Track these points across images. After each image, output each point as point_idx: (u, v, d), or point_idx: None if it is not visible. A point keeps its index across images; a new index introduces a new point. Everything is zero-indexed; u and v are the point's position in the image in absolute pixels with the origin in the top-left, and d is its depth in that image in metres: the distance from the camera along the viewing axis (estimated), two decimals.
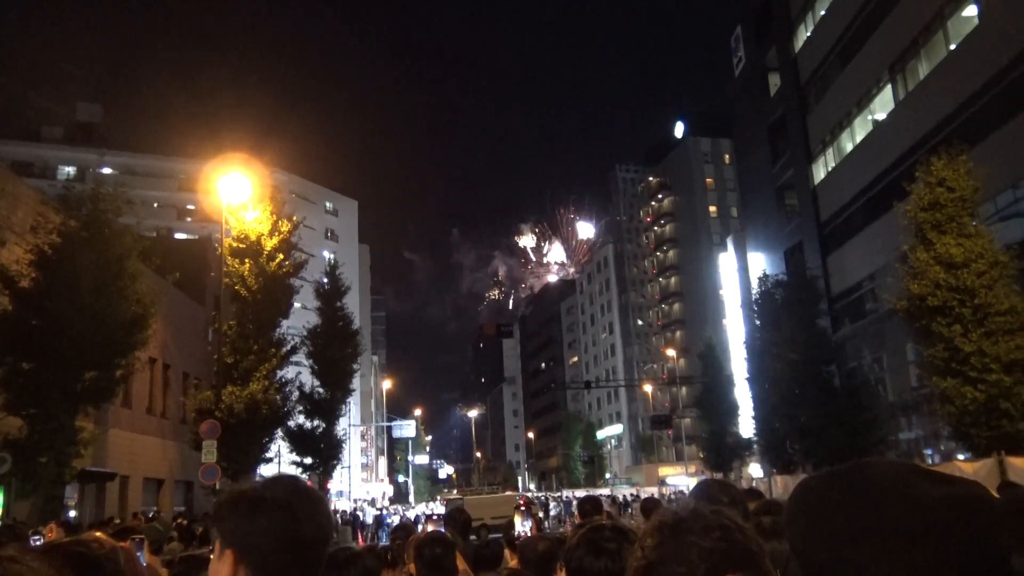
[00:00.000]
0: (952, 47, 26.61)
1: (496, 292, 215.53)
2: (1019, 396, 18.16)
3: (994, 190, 22.51)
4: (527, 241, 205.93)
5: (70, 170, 63.97)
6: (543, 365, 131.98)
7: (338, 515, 42.33)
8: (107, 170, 60.40)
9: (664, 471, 67.90)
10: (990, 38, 24.18)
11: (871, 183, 31.65)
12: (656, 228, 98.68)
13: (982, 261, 19.12)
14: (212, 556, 1.54)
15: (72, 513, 22.25)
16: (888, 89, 31.23)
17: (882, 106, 32.07)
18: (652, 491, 50.66)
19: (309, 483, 1.66)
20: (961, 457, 19.77)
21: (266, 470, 32.79)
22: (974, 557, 0.79)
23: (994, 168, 21.76)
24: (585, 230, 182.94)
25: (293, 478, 1.62)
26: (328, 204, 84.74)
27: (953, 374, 18.92)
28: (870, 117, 33.09)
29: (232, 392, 24.62)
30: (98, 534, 2.21)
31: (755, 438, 38.01)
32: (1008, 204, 23.54)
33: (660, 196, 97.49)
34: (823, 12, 36.82)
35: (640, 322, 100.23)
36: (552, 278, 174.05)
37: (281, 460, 33.04)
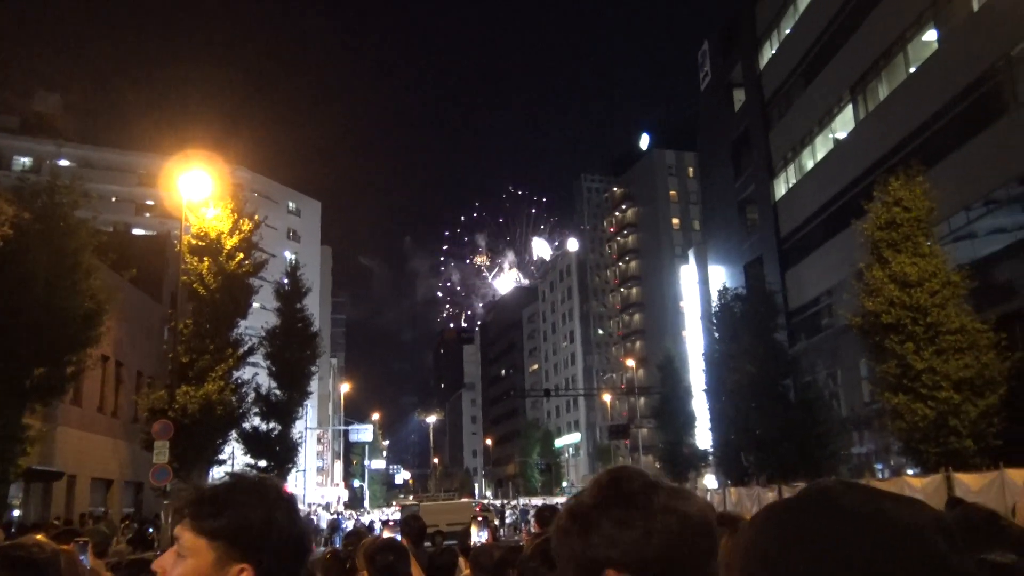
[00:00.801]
0: (912, 70, 27.21)
1: (451, 299, 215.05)
2: (967, 414, 18.55)
3: (948, 211, 23.03)
4: (487, 248, 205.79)
5: (26, 161, 62.57)
6: (503, 372, 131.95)
7: None
8: (64, 162, 59.17)
9: None
10: (948, 63, 24.77)
11: (830, 201, 32.17)
12: (619, 238, 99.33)
13: (935, 280, 19.53)
14: (173, 554, 1.42)
15: (16, 513, 21.67)
16: (849, 109, 31.81)
17: (843, 125, 32.65)
18: None
19: None
20: (910, 472, 20.14)
21: (219, 472, 32.33)
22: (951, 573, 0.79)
23: (949, 190, 22.29)
24: (541, 247, 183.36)
25: (269, 476, 1.56)
26: (291, 204, 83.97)
27: (904, 390, 19.28)
28: (831, 136, 33.67)
29: (186, 392, 24.24)
30: (39, 537, 2.14)
31: (711, 449, 38.34)
32: (961, 225, 24.09)
33: (624, 207, 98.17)
34: (788, 31, 37.43)
35: (601, 331, 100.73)
36: (503, 285, 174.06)
37: (235, 462, 32.55)
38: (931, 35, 26.46)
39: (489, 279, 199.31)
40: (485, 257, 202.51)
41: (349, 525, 34.80)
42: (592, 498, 1.19)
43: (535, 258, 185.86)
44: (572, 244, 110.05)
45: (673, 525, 1.14)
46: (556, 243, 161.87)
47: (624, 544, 1.12)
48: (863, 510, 0.82)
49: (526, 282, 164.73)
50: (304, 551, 1.45)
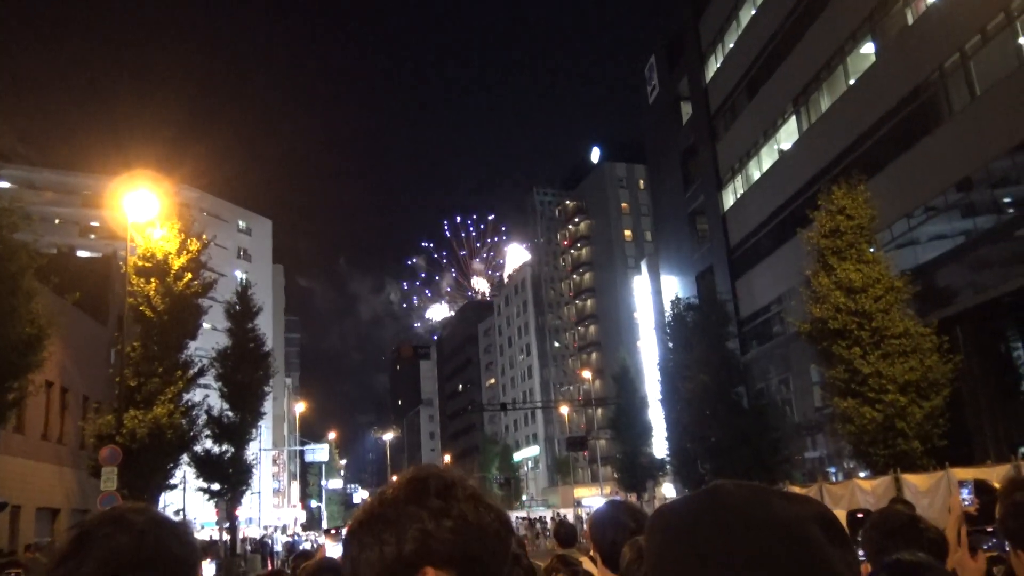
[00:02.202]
0: (851, 82, 27.89)
1: (406, 312, 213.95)
2: (913, 416, 18.98)
3: (890, 219, 23.62)
4: (434, 263, 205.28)
5: None
6: (460, 387, 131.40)
7: (247, 543, 41.03)
8: (3, 183, 57.58)
9: (580, 492, 68.23)
10: (886, 75, 25.46)
11: (777, 210, 32.73)
12: (573, 251, 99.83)
13: (879, 286, 20.00)
14: None
15: None
16: (793, 120, 32.45)
17: (787, 136, 33.28)
18: (567, 512, 50.84)
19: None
20: (862, 475, 20.51)
21: (171, 497, 31.60)
22: (835, 571, 0.82)
23: (890, 198, 22.90)
24: (480, 270, 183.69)
25: (144, 506, 1.44)
26: (241, 223, 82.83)
27: (853, 394, 19.67)
28: (776, 147, 34.28)
29: (134, 416, 23.69)
30: None
31: (668, 458, 38.63)
32: (903, 232, 24.71)
33: (577, 220, 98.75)
34: (732, 45, 38.12)
35: (557, 344, 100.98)
36: (438, 311, 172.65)
37: (187, 486, 31.87)
38: (869, 48, 27.18)
39: (445, 288, 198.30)
40: (440, 260, 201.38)
41: (308, 547, 34.25)
42: (401, 495, 1.13)
43: (472, 282, 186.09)
44: (520, 255, 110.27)
45: (484, 521, 1.12)
46: (492, 269, 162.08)
47: (441, 539, 1.08)
48: (746, 506, 0.86)
49: (478, 293, 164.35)
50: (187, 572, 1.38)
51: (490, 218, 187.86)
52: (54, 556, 1.34)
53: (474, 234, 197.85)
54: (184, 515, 37.62)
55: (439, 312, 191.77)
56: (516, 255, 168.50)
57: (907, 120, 24.43)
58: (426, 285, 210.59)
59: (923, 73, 23.49)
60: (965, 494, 4.59)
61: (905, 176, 24.09)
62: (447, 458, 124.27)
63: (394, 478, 1.22)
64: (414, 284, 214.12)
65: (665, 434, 37.61)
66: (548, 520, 51.97)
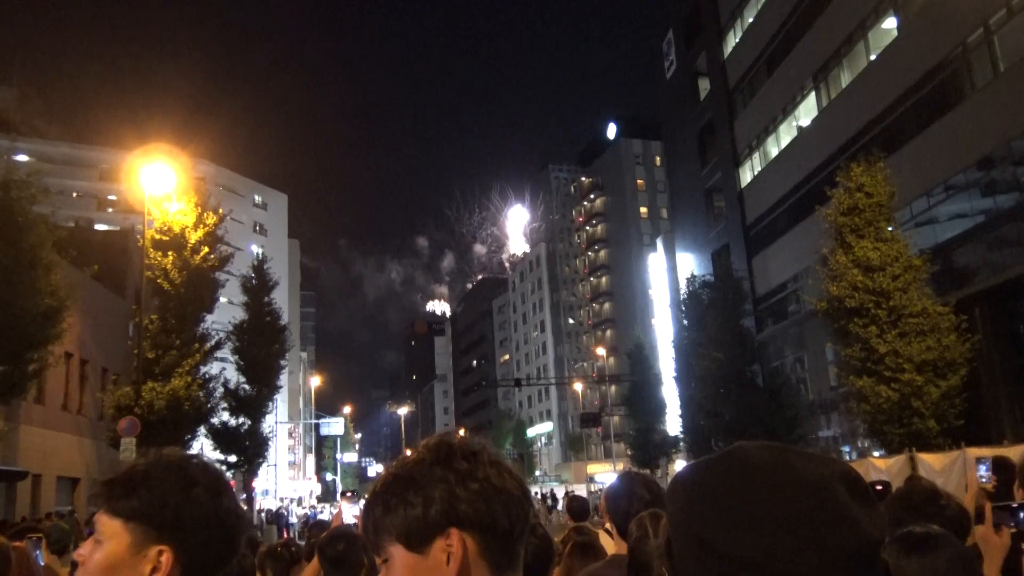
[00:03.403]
0: (872, 58, 27.51)
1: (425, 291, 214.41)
2: (929, 395, 18.89)
3: (909, 197, 23.37)
4: (438, 242, 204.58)
5: None
6: (474, 363, 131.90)
7: (263, 514, 41.55)
8: (22, 157, 57.93)
9: (592, 468, 68.54)
10: (907, 50, 25.08)
11: (795, 188, 32.48)
12: (588, 228, 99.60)
13: (897, 265, 19.84)
14: (92, 541, 1.35)
15: None
16: (812, 96, 32.10)
17: (806, 113, 32.94)
18: (580, 488, 51.12)
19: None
20: (876, 454, 20.47)
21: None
22: (862, 529, 0.81)
23: (910, 176, 22.64)
24: (516, 221, 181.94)
25: (196, 456, 1.49)
26: (257, 197, 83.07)
27: (868, 373, 19.58)
28: (795, 123, 33.95)
29: (152, 388, 23.97)
30: None
31: (681, 436, 38.68)
32: (922, 211, 24.46)
33: (592, 196, 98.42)
34: (751, 19, 37.65)
35: (571, 321, 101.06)
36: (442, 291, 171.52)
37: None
38: (891, 23, 26.76)
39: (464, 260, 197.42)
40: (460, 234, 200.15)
41: (325, 518, 34.67)
42: (427, 457, 1.14)
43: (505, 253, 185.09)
44: (519, 231, 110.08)
45: (508, 486, 1.13)
46: (528, 227, 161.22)
47: (467, 501, 1.09)
48: (769, 466, 0.86)
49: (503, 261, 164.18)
50: (233, 533, 1.39)
51: (492, 199, 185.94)
52: (109, 476, 1.37)
53: (476, 216, 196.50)
54: None
55: (445, 293, 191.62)
56: (516, 230, 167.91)
57: (928, 97, 24.09)
58: (429, 266, 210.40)
59: (945, 49, 23.12)
60: (983, 471, 4.56)
61: (925, 154, 23.81)
62: (461, 432, 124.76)
63: (407, 452, 1.23)
64: (420, 263, 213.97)
65: (679, 411, 37.63)
66: (559, 496, 52.27)
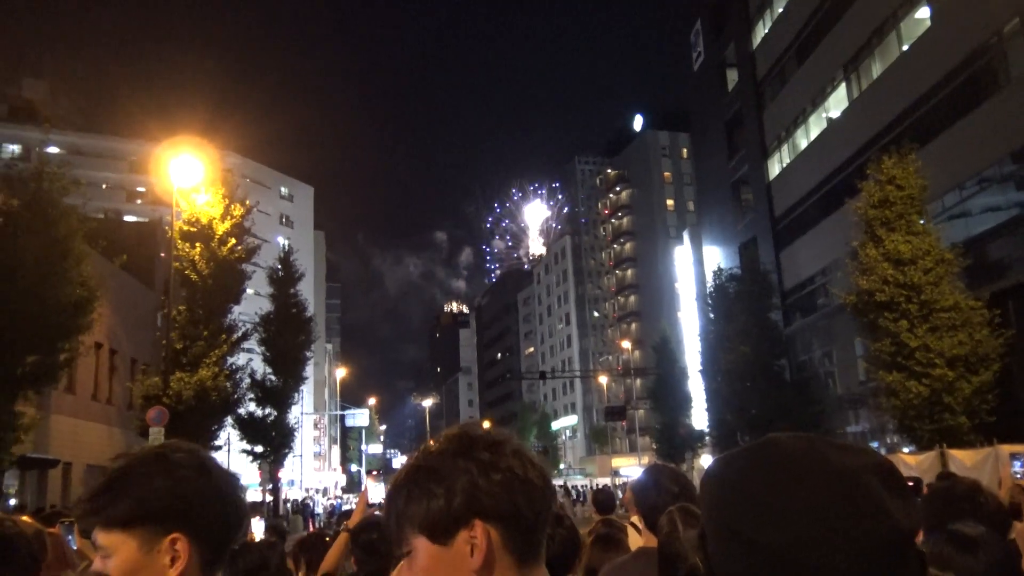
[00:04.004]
0: (905, 48, 27.12)
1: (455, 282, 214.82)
2: (961, 391, 18.64)
3: (941, 189, 23.04)
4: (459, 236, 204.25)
5: (14, 148, 62.15)
6: (499, 355, 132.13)
7: (288, 504, 41.95)
8: (53, 149, 58.73)
9: (617, 462, 68.46)
10: (941, 41, 24.68)
11: (824, 180, 32.15)
12: (613, 220, 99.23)
13: (928, 258, 19.57)
14: (99, 559, 1.32)
15: (12, 501, 21.68)
16: (842, 87, 31.73)
17: (836, 104, 32.57)
18: (605, 481, 51.10)
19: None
20: (906, 450, 20.25)
21: (216, 458, 32.34)
22: (894, 521, 0.81)
23: (942, 168, 22.29)
24: (537, 212, 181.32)
25: (181, 443, 1.46)
26: (283, 189, 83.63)
27: (898, 368, 19.36)
28: (824, 115, 33.59)
29: (180, 378, 24.24)
30: (25, 518, 2.14)
31: (707, 430, 38.56)
32: (954, 204, 24.11)
33: (618, 188, 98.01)
34: (780, 9, 37.25)
35: (596, 314, 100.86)
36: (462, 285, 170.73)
37: (231, 448, 32.60)
38: (924, 12, 26.35)
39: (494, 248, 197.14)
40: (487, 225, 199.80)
41: (350, 508, 34.96)
42: (449, 447, 1.14)
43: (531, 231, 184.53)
44: (538, 222, 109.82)
45: (531, 476, 1.12)
46: (554, 219, 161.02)
47: (490, 492, 1.08)
48: (802, 457, 0.86)
49: (527, 256, 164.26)
50: (232, 515, 1.39)
51: (515, 196, 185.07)
52: (88, 489, 1.35)
53: (500, 209, 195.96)
54: None
55: (470, 289, 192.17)
56: (541, 223, 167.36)
57: (962, 87, 23.71)
58: (451, 260, 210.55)
59: (980, 38, 22.73)
60: (1017, 467, 4.50)
61: (958, 146, 23.44)
62: (485, 425, 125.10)
63: (431, 443, 1.23)
64: (444, 257, 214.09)
65: (705, 405, 37.50)
66: (582, 489, 52.26)
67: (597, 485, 41.98)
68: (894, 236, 19.96)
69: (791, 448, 0.88)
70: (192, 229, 27.14)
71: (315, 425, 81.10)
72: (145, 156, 63.24)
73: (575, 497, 47.08)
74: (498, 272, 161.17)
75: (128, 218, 53.89)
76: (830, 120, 33.06)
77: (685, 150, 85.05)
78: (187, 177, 22.54)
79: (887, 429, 25.82)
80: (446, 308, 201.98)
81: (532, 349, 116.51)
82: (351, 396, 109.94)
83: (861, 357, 27.61)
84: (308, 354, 33.89)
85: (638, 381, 72.72)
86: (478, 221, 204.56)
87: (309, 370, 36.80)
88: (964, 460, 14.80)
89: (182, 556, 1.31)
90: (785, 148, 37.13)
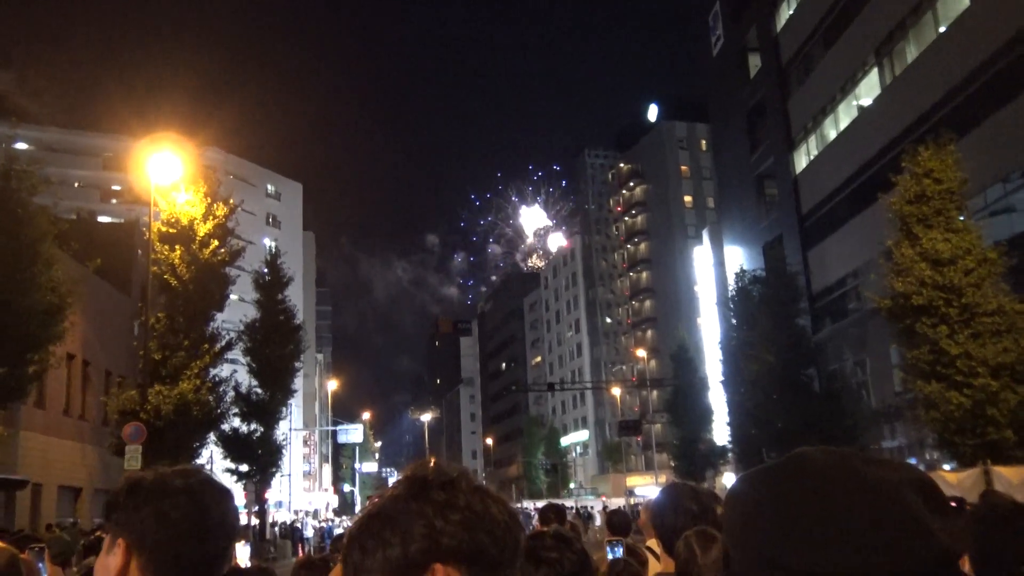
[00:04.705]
0: (942, 29, 27.08)
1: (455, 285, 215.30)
2: (1006, 402, 18.53)
3: (983, 183, 22.98)
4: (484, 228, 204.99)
5: None
6: (504, 365, 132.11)
7: (276, 527, 41.98)
8: (22, 145, 58.96)
9: (632, 481, 68.35)
10: (982, 21, 24.64)
11: (855, 173, 32.11)
12: (627, 219, 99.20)
13: (970, 258, 19.48)
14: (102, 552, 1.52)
15: None
16: (874, 73, 31.68)
17: (867, 91, 32.53)
18: (619, 502, 51.02)
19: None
20: (946, 467, 20.16)
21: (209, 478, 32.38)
22: (938, 541, 0.80)
23: (984, 160, 22.23)
24: (535, 218, 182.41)
25: (197, 468, 1.62)
26: (270, 187, 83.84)
27: (938, 378, 19.26)
28: (855, 103, 33.56)
29: (159, 392, 24.28)
30: None
31: (730, 445, 38.44)
32: (998, 198, 24.04)
33: (631, 184, 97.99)
34: None
35: (609, 320, 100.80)
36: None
37: (214, 466, 32.62)
38: None
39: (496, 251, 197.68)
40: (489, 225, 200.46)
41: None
42: (401, 492, 1.14)
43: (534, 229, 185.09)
44: (534, 224, 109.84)
45: (492, 512, 1.13)
46: (554, 217, 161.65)
47: (449, 534, 1.09)
48: (835, 472, 0.85)
49: (531, 262, 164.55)
50: (216, 545, 1.52)
51: (515, 197, 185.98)
52: (110, 500, 1.55)
53: (501, 210, 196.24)
54: None
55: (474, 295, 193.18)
56: (531, 224, 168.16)
57: (1005, 72, 23.64)
58: (449, 264, 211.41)
59: None
60: None
61: (1001, 136, 23.37)
62: (489, 441, 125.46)
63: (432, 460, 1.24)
64: (445, 262, 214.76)
65: (726, 419, 37.39)
66: (591, 510, 52.20)
67: (610, 506, 41.93)
68: (932, 234, 19.88)
69: (823, 463, 0.87)
70: (171, 230, 27.21)
71: (305, 442, 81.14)
72: (121, 152, 63.54)
73: (585, 518, 47.05)
74: (496, 277, 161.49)
75: (103, 219, 54.08)
76: (861, 108, 33.01)
77: (704, 142, 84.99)
78: (166, 174, 22.62)
79: (926, 444, 25.72)
80: (445, 315, 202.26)
81: (539, 359, 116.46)
82: (344, 410, 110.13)
83: (897, 366, 27.53)
84: (297, 365, 33.95)
85: (654, 393, 72.65)
86: (477, 223, 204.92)
87: (298, 382, 36.84)
88: (1011, 477, 14.72)
89: (119, 558, 1.48)
90: (812, 139, 37.08)
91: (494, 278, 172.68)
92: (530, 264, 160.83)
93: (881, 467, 0.86)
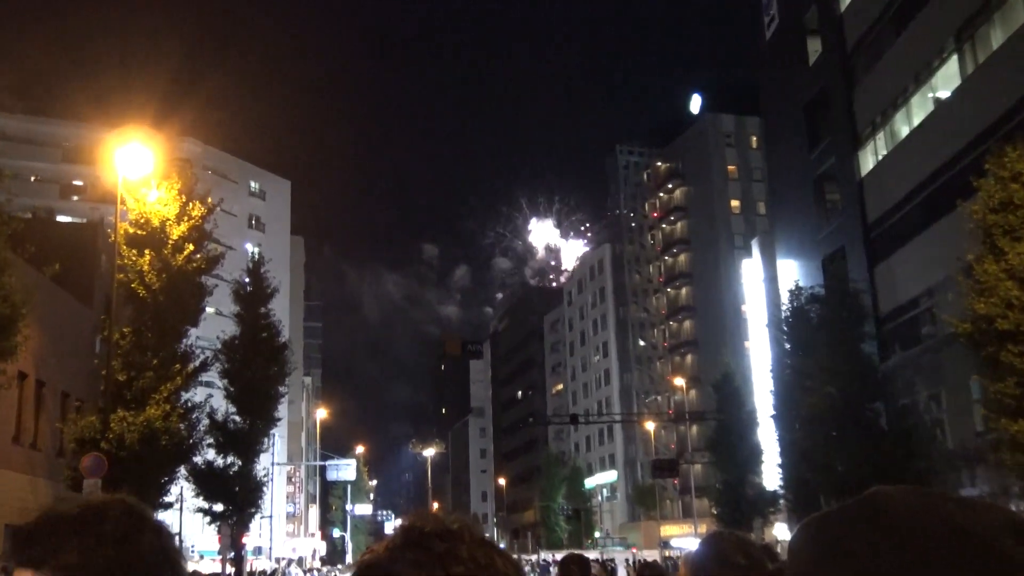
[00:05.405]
0: None
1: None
2: None
3: None
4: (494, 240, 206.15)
5: None
6: (519, 394, 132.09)
7: None
8: None
9: (668, 530, 68.09)
10: None
11: (931, 176, 32.00)
12: (664, 226, 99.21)
13: None
14: None
15: None
16: (953, 61, 31.62)
17: (946, 82, 32.45)
18: (652, 554, 50.80)
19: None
20: None
21: (164, 518, 32.41)
22: None
23: None
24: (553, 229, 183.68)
25: (131, 500, 1.60)
26: (253, 184, 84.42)
27: None
28: (931, 95, 33.48)
29: (124, 418, 24.37)
30: None
31: (781, 491, 38.25)
32: None
33: (670, 186, 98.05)
34: None
35: (642, 343, 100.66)
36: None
37: (184, 506, 32.73)
38: None
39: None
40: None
41: None
42: (397, 542, 1.17)
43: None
44: (544, 238, 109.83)
45: (497, 566, 1.15)
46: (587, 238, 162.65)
47: None
48: (917, 514, 0.85)
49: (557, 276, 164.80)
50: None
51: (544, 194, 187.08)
52: (18, 534, 1.50)
53: (517, 218, 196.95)
54: (180, 540, 38.65)
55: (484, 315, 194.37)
56: (540, 238, 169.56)
57: None
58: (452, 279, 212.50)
59: None
60: None
61: None
62: (501, 481, 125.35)
63: (435, 505, 1.25)
64: (455, 275, 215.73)
65: (778, 460, 37.23)
66: (617, 563, 51.99)
67: (642, 560, 41.72)
68: (1020, 247, 19.80)
69: (903, 504, 0.87)
70: (140, 232, 27.37)
71: (289, 479, 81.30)
72: (85, 142, 64.17)
73: (610, 572, 46.86)
74: (509, 291, 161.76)
75: (62, 218, 54.56)
76: (938, 101, 32.93)
77: (755, 138, 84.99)
78: (135, 168, 22.77)
79: (1011, 493, 25.51)
80: (452, 334, 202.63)
81: (561, 386, 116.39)
82: (334, 443, 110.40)
83: (978, 401, 27.35)
84: (281, 389, 34.02)
85: (694, 428, 72.33)
86: (498, 233, 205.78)
87: (283, 410, 36.98)
88: None
89: None
90: (881, 136, 37.00)
91: (499, 295, 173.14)
92: (561, 272, 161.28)
93: (970, 509, 0.85)
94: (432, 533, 1.15)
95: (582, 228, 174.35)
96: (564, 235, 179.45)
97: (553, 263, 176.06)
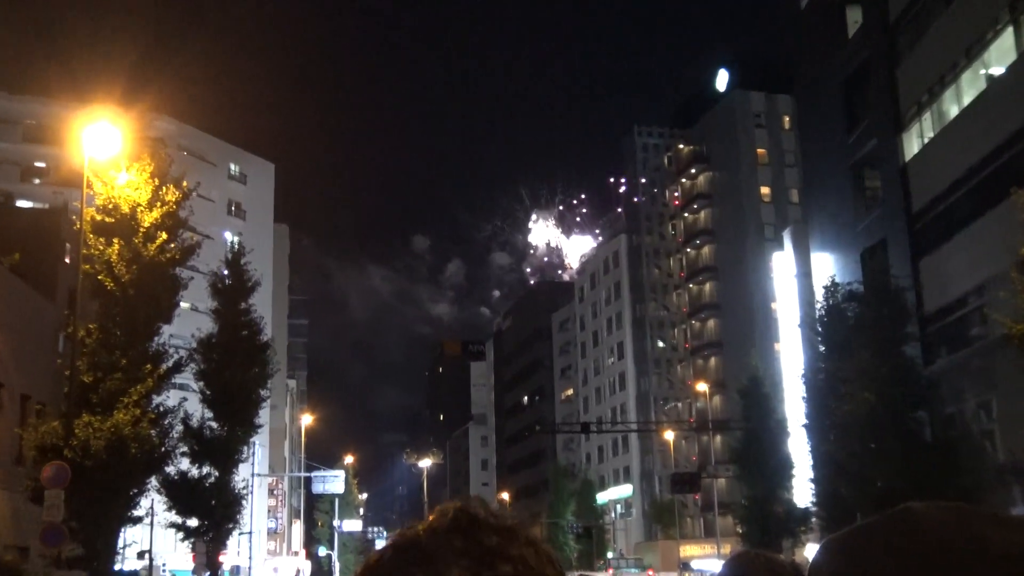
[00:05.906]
0: None
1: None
2: None
3: None
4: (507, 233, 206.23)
5: None
6: (525, 399, 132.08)
7: None
8: None
9: (688, 550, 68.18)
10: None
11: (982, 162, 31.95)
12: (686, 214, 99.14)
13: None
14: None
15: None
16: (1008, 33, 31.56)
17: (999, 57, 32.38)
18: None
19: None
20: None
21: (134, 533, 32.50)
22: None
23: None
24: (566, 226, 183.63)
25: None
26: (233, 167, 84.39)
27: None
28: (983, 71, 33.42)
29: (89, 423, 24.41)
30: None
31: (814, 508, 38.23)
32: None
33: (693, 171, 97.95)
34: None
35: (661, 344, 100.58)
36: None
37: (155, 520, 32.77)
38: None
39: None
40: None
41: None
42: (444, 523, 1.12)
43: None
44: (542, 235, 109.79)
45: (547, 572, 1.11)
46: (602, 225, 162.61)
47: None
48: (950, 532, 0.86)
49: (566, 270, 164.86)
50: None
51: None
52: None
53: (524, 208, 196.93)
54: (150, 558, 38.74)
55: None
56: (542, 233, 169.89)
57: None
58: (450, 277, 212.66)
59: None
60: None
61: None
62: (505, 495, 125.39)
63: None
64: (454, 269, 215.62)
65: (810, 474, 37.20)
66: None
67: None
68: None
69: (935, 522, 0.88)
70: (108, 219, 27.39)
71: (271, 491, 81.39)
72: (48, 119, 64.18)
73: None
74: (512, 287, 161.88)
75: (22, 203, 54.65)
76: (991, 78, 32.87)
77: (787, 118, 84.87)
78: (103, 148, 22.80)
79: None
80: (451, 334, 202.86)
81: (571, 391, 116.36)
82: (321, 452, 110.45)
83: None
84: (263, 393, 34.03)
85: (717, 439, 72.37)
86: (497, 226, 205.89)
87: (264, 415, 36.99)
88: None
89: None
90: (928, 116, 36.95)
91: (495, 293, 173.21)
92: (568, 267, 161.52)
93: (1007, 527, 0.86)
94: (485, 524, 1.11)
95: (592, 219, 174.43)
96: (569, 229, 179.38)
97: (557, 259, 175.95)
